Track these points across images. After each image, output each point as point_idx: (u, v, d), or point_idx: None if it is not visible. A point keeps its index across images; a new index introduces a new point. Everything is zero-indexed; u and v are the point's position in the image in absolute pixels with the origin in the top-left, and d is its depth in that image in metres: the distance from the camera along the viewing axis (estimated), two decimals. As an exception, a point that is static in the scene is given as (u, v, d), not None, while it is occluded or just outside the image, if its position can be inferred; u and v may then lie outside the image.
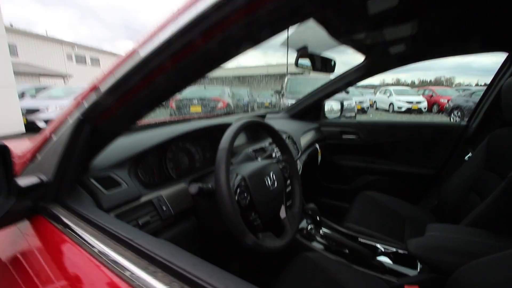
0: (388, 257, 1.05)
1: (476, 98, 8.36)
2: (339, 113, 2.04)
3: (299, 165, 1.37)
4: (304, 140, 1.59)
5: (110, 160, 0.73)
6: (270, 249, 0.70)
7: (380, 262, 0.99)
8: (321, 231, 1.09)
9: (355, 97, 10.35)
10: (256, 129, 1.44)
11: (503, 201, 0.90)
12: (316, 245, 1.11)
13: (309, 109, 1.91)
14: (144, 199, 0.71)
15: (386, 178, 1.80)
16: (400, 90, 13.02)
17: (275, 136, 0.88)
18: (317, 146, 1.75)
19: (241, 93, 11.36)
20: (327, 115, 1.99)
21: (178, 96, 7.49)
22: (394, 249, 1.09)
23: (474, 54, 1.31)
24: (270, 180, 0.80)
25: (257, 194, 0.75)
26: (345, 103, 4.37)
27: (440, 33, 1.18)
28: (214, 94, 8.12)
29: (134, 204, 0.69)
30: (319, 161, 1.79)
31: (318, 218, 1.12)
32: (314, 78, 8.00)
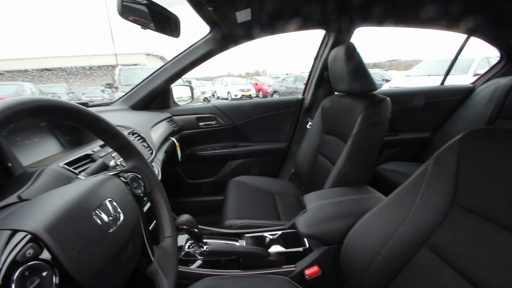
0: (279, 244, 0.97)
1: (286, 83, 11.07)
2: (190, 99, 1.80)
3: (157, 168, 1.01)
4: (156, 134, 1.23)
5: None
6: None
7: (275, 254, 0.88)
8: (205, 247, 0.83)
9: (198, 87, 10.57)
10: (74, 126, 0.92)
11: (349, 160, 1.04)
12: (201, 267, 0.84)
13: (154, 96, 1.53)
14: None
15: (249, 159, 1.78)
16: (234, 80, 14.73)
17: (100, 129, 0.48)
18: (174, 139, 1.43)
19: (55, 90, 9.23)
20: (178, 101, 1.69)
21: None
22: (279, 232, 1.03)
23: (298, 30, 1.46)
24: (106, 214, 0.41)
25: (81, 261, 0.34)
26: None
27: (272, 11, 1.23)
28: (6, 92, 5.65)
29: None
30: (179, 157, 1.49)
31: (196, 230, 0.84)
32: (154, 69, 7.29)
